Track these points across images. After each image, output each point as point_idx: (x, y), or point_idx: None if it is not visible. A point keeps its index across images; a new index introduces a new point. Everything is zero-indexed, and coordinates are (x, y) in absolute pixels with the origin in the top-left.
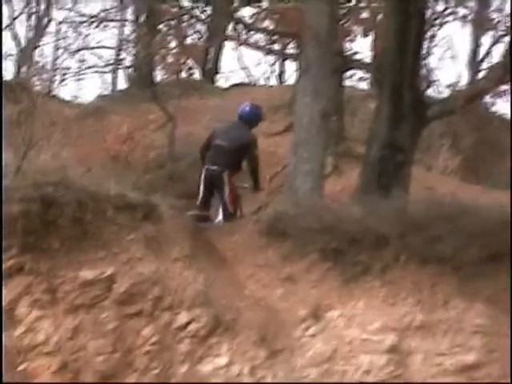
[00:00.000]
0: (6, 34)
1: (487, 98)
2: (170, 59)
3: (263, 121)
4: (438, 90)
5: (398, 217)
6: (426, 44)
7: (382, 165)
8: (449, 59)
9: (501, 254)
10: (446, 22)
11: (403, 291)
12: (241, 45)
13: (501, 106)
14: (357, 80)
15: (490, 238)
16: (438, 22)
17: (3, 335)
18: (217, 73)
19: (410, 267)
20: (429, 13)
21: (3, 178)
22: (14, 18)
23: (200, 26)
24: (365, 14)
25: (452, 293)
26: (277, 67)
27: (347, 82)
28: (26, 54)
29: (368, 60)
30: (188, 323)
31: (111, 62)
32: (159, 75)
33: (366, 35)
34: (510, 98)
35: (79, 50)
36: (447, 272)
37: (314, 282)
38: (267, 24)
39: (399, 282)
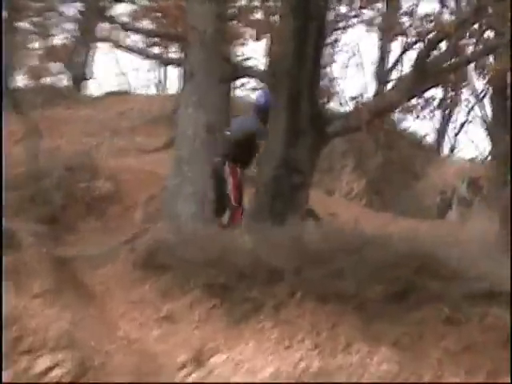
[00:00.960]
0: None
1: (396, 113)
2: (32, 62)
3: None
4: (341, 102)
5: (294, 248)
6: (327, 50)
7: (277, 187)
8: (354, 67)
9: (409, 291)
10: (350, 26)
11: (299, 332)
12: (116, 47)
13: (411, 123)
14: (249, 90)
15: (398, 273)
16: (341, 25)
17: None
18: (87, 79)
19: (308, 305)
20: (331, 14)
21: None
22: None
23: (68, 25)
24: (258, 15)
25: (354, 335)
26: (157, 73)
27: (238, 92)
28: None
29: (262, 67)
30: (50, 368)
31: None
32: (20, 80)
33: (258, 39)
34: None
35: None
36: (349, 311)
37: (197, 321)
38: (146, 24)
39: (295, 321)
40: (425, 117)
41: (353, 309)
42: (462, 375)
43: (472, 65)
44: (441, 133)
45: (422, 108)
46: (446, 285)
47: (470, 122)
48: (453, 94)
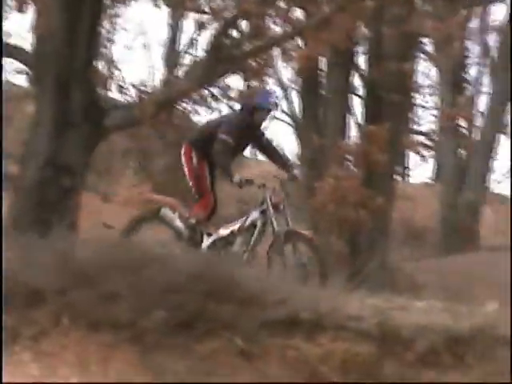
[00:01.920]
0: None
1: (187, 105)
2: None
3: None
4: (123, 90)
5: (60, 265)
6: (106, 26)
7: (42, 191)
8: (138, 49)
9: (197, 318)
10: None
11: (64, 366)
12: None
13: (206, 116)
14: (12, 73)
15: (185, 298)
16: None
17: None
18: None
19: (75, 334)
20: None
21: None
22: None
23: None
24: None
25: (129, 370)
26: None
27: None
28: None
29: (26, 45)
30: None
31: None
32: None
33: (21, 10)
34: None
35: None
36: (124, 342)
37: None
38: None
39: (59, 353)
40: (221, 110)
41: (128, 339)
42: None
43: (278, 50)
44: None
45: (218, 99)
46: (241, 312)
47: (277, 118)
48: (255, 83)
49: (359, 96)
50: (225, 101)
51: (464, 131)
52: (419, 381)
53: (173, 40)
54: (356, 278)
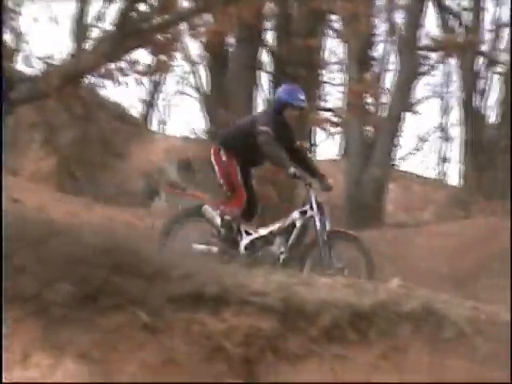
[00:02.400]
0: None
1: (94, 78)
2: None
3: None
4: (29, 63)
5: None
6: None
7: None
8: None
9: (102, 292)
10: None
11: None
12: None
13: (113, 91)
14: None
15: (89, 272)
16: None
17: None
18: None
19: None
20: None
21: None
22: None
23: None
24: None
25: (34, 345)
26: None
27: None
28: None
29: None
30: None
31: None
32: None
33: None
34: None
35: None
36: (28, 316)
37: None
38: None
39: None
40: (128, 84)
41: (33, 313)
42: None
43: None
44: (149, 104)
45: (125, 73)
46: (146, 286)
47: (184, 93)
48: (163, 58)
49: (267, 72)
50: (132, 75)
51: (371, 108)
52: (323, 355)
53: (81, 13)
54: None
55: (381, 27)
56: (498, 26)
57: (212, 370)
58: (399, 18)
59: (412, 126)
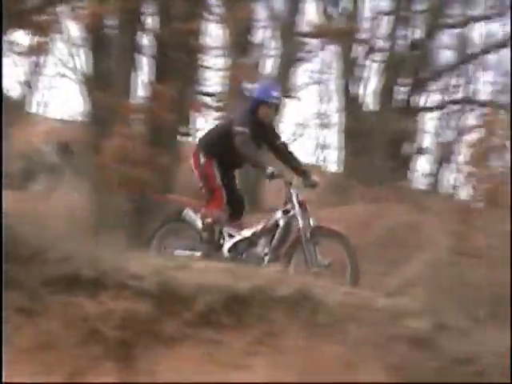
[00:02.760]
0: None
1: None
2: None
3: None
4: None
5: None
6: None
7: None
8: None
9: None
10: None
11: None
12: None
13: None
14: None
15: None
16: None
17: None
18: None
19: None
20: None
21: None
22: None
23: None
24: None
25: None
26: None
27: None
28: None
29: None
30: None
31: None
32: None
33: None
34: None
35: None
36: None
37: None
38: None
39: None
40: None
41: None
42: (40, 376)
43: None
44: (28, 86)
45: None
46: (22, 269)
47: (64, 75)
48: (42, 39)
49: (148, 55)
50: (11, 56)
51: (250, 93)
52: (198, 339)
53: None
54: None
55: (261, 13)
56: (377, 14)
57: (89, 353)
58: (279, 2)
59: (292, 112)
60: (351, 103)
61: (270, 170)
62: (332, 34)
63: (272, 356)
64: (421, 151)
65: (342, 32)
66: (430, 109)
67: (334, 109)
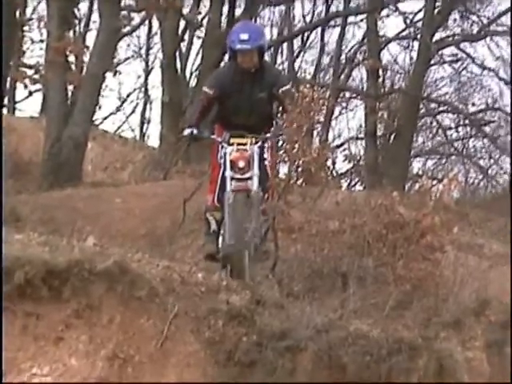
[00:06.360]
0: None
1: None
2: None
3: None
4: None
5: None
6: None
7: None
8: None
9: None
10: None
11: None
12: None
13: None
14: None
15: None
16: None
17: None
18: None
19: None
20: None
21: None
22: None
23: None
24: None
25: None
26: None
27: None
28: None
29: None
30: None
31: None
32: None
33: None
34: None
35: None
36: None
37: None
38: None
39: None
40: None
41: None
42: None
43: None
44: None
45: None
46: None
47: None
48: None
49: None
50: None
51: (72, 66)
52: (16, 312)
53: None
54: None
55: None
56: None
57: None
58: None
59: (114, 86)
60: (173, 78)
61: (187, 131)
62: (153, 9)
63: (89, 329)
64: None
65: (163, 7)
66: None
67: (156, 83)
